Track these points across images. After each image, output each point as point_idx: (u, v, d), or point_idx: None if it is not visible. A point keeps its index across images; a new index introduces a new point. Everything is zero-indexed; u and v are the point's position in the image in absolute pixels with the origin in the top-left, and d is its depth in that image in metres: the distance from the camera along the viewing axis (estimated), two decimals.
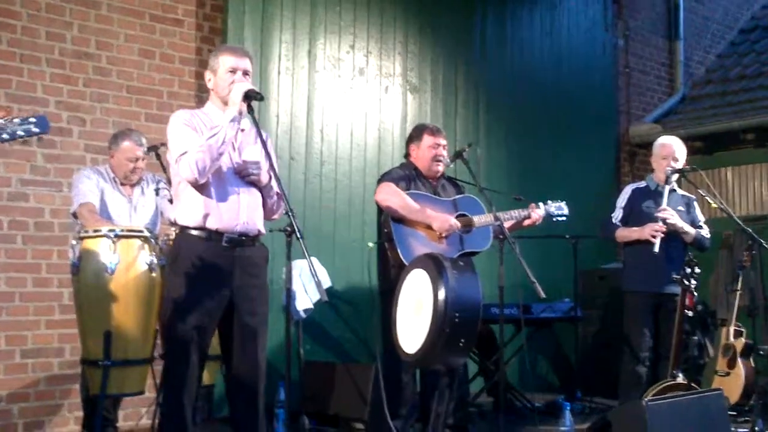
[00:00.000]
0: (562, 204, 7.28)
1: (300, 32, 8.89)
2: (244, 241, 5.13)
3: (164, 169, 6.56)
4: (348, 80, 9.28)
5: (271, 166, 4.97)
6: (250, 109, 5.02)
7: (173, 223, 5.28)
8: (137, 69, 8.02)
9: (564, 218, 7.32)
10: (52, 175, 7.47)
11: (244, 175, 5.13)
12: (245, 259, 5.13)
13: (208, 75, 5.27)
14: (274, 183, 5.18)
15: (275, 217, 5.35)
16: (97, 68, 7.77)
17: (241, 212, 5.10)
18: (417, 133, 7.15)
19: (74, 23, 7.66)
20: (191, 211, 5.07)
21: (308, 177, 8.80)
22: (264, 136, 5.16)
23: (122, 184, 6.57)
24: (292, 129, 8.76)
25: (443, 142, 7.05)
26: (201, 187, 5.03)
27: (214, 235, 5.04)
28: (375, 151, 9.36)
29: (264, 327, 5.23)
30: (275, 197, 5.22)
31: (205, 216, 5.02)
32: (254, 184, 5.18)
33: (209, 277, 5.02)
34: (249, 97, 4.98)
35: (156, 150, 6.68)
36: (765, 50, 13.36)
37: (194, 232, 5.06)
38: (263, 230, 5.26)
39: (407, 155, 7.19)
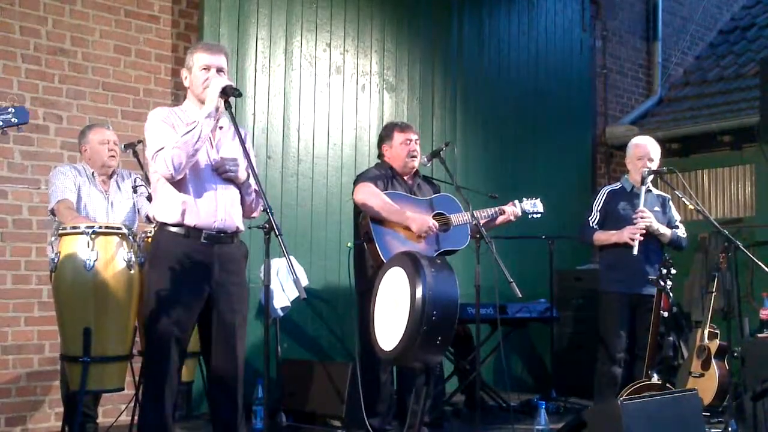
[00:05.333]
0: (537, 201, 7.33)
1: (276, 30, 8.88)
2: (223, 237, 5.14)
3: (141, 166, 6.56)
4: (324, 78, 9.26)
5: (249, 163, 4.97)
6: (228, 105, 5.02)
7: (152, 220, 5.28)
8: (113, 66, 7.99)
9: (539, 215, 7.37)
10: (29, 173, 7.44)
11: (221, 172, 5.15)
12: (224, 256, 5.15)
13: (184, 73, 5.30)
14: (252, 180, 5.19)
15: (255, 215, 5.38)
16: (72, 64, 7.74)
17: (219, 209, 5.11)
18: (387, 132, 7.18)
19: (49, 18, 7.62)
20: (169, 207, 5.08)
21: (285, 175, 8.78)
22: (242, 133, 5.17)
23: (100, 176, 6.54)
24: (269, 127, 8.74)
25: (414, 136, 7.09)
26: (179, 184, 5.05)
27: (192, 232, 5.06)
28: (351, 150, 9.35)
29: (243, 324, 5.26)
30: (253, 195, 5.22)
31: (183, 212, 5.04)
32: (232, 181, 5.19)
33: (188, 273, 5.04)
34: (226, 93, 4.99)
35: (133, 147, 6.67)
36: (744, 51, 13.40)
37: (173, 229, 5.08)
38: (242, 227, 5.28)
39: (381, 156, 7.20)
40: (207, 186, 5.12)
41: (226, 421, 5.23)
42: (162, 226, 5.13)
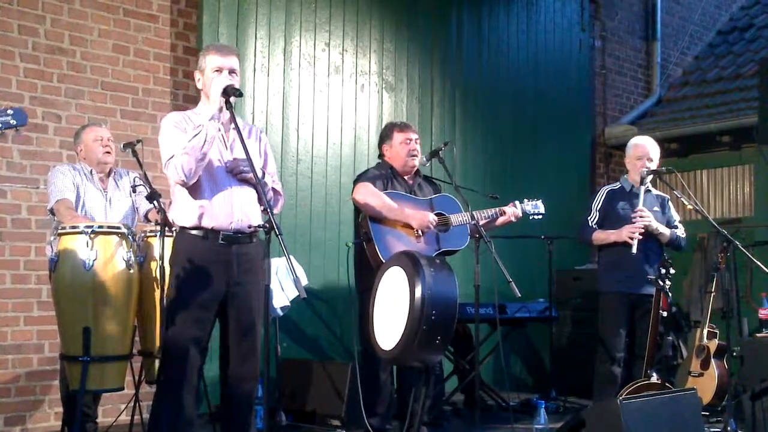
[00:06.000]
0: (538, 202, 7.32)
1: (275, 29, 8.87)
2: (240, 238, 5.19)
3: (140, 165, 6.55)
4: (323, 78, 9.26)
5: (250, 162, 4.96)
6: (229, 105, 5.03)
7: (150, 219, 5.29)
8: (112, 65, 7.99)
9: (540, 216, 7.35)
10: (28, 172, 7.44)
11: (235, 173, 5.18)
12: (242, 256, 5.20)
13: (197, 75, 5.33)
14: (267, 178, 5.25)
15: (275, 211, 5.39)
16: (71, 64, 7.73)
17: (235, 210, 5.16)
18: (387, 133, 7.18)
19: (47, 17, 7.61)
20: (187, 211, 5.14)
21: (284, 175, 8.76)
22: (257, 132, 5.23)
23: (97, 174, 6.54)
24: (268, 127, 8.73)
25: (414, 136, 7.08)
26: (194, 187, 5.11)
27: (210, 234, 5.12)
28: (350, 149, 9.36)
29: (260, 322, 5.30)
30: (271, 193, 5.25)
31: (200, 215, 5.10)
32: (247, 180, 5.21)
33: (208, 274, 5.10)
34: (228, 93, 5.00)
35: (132, 147, 6.66)
36: (743, 52, 13.36)
37: (191, 232, 5.15)
38: (259, 225, 5.28)
39: (381, 156, 7.20)
40: (223, 187, 5.17)
41: (239, 421, 5.28)
42: (181, 229, 5.19)
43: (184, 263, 5.10)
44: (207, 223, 5.09)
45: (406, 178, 7.09)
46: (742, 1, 14.89)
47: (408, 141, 7.04)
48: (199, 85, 5.30)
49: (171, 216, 5.30)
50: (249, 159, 4.94)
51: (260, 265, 5.31)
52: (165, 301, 5.30)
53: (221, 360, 5.33)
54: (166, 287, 5.41)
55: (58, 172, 6.44)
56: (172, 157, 5.00)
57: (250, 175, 5.13)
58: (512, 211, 7.16)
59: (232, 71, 5.19)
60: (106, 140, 6.60)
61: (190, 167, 4.95)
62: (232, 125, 5.20)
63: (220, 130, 5.14)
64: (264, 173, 5.26)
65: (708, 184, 12.39)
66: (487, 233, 6.53)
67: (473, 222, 6.66)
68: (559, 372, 9.45)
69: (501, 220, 7.15)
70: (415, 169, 7.14)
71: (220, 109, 5.04)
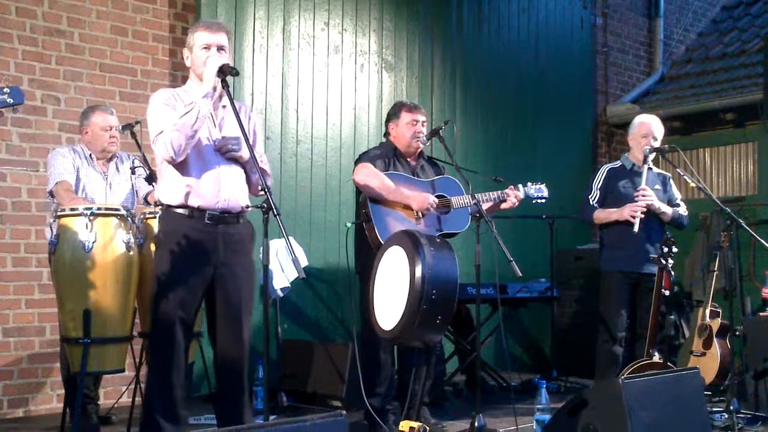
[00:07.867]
0: (542, 186, 7.24)
1: (274, 9, 8.82)
2: (227, 218, 5.14)
3: (139, 147, 6.54)
4: (323, 58, 9.22)
5: (246, 140, 4.92)
6: (225, 84, 4.99)
7: (149, 202, 5.26)
8: (110, 47, 7.96)
9: (544, 200, 7.28)
10: (27, 155, 7.44)
11: (224, 152, 5.13)
12: (229, 236, 5.15)
13: (185, 52, 5.28)
14: (256, 157, 5.18)
15: (262, 192, 5.33)
16: (69, 46, 7.70)
17: (222, 189, 5.11)
18: (395, 111, 7.09)
19: None
20: (173, 189, 5.09)
21: (284, 156, 8.76)
22: (247, 111, 5.17)
23: (98, 159, 6.53)
24: (267, 107, 8.71)
25: (422, 118, 6.99)
26: (182, 165, 5.05)
27: (196, 213, 5.07)
28: (350, 130, 9.33)
29: (249, 303, 5.28)
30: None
31: (187, 194, 5.04)
32: (236, 160, 5.17)
33: (193, 254, 5.05)
34: (223, 72, 4.96)
35: (131, 128, 6.64)
36: (748, 27, 13.23)
37: (177, 210, 5.09)
38: (248, 206, 5.25)
39: (387, 134, 7.14)
40: (210, 166, 5.12)
41: (232, 402, 5.27)
42: (167, 208, 5.13)
43: (170, 243, 5.05)
44: (193, 201, 5.04)
45: (409, 159, 7.03)
46: None
47: (414, 122, 6.96)
48: (188, 63, 5.25)
49: (157, 194, 5.27)
50: (246, 137, 4.90)
51: (248, 246, 5.30)
52: (151, 281, 5.24)
53: (211, 342, 5.32)
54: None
55: (58, 155, 6.42)
56: (161, 132, 4.96)
57: (239, 153, 5.12)
58: (514, 194, 7.09)
59: (220, 48, 5.14)
60: (114, 130, 6.57)
61: (180, 144, 4.90)
62: (222, 104, 5.17)
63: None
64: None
65: (711, 163, 12.35)
66: (489, 215, 6.49)
67: (474, 202, 6.61)
68: (560, 352, 9.45)
69: (504, 205, 7.08)
70: (419, 150, 7.08)
71: (215, 88, 5.01)
